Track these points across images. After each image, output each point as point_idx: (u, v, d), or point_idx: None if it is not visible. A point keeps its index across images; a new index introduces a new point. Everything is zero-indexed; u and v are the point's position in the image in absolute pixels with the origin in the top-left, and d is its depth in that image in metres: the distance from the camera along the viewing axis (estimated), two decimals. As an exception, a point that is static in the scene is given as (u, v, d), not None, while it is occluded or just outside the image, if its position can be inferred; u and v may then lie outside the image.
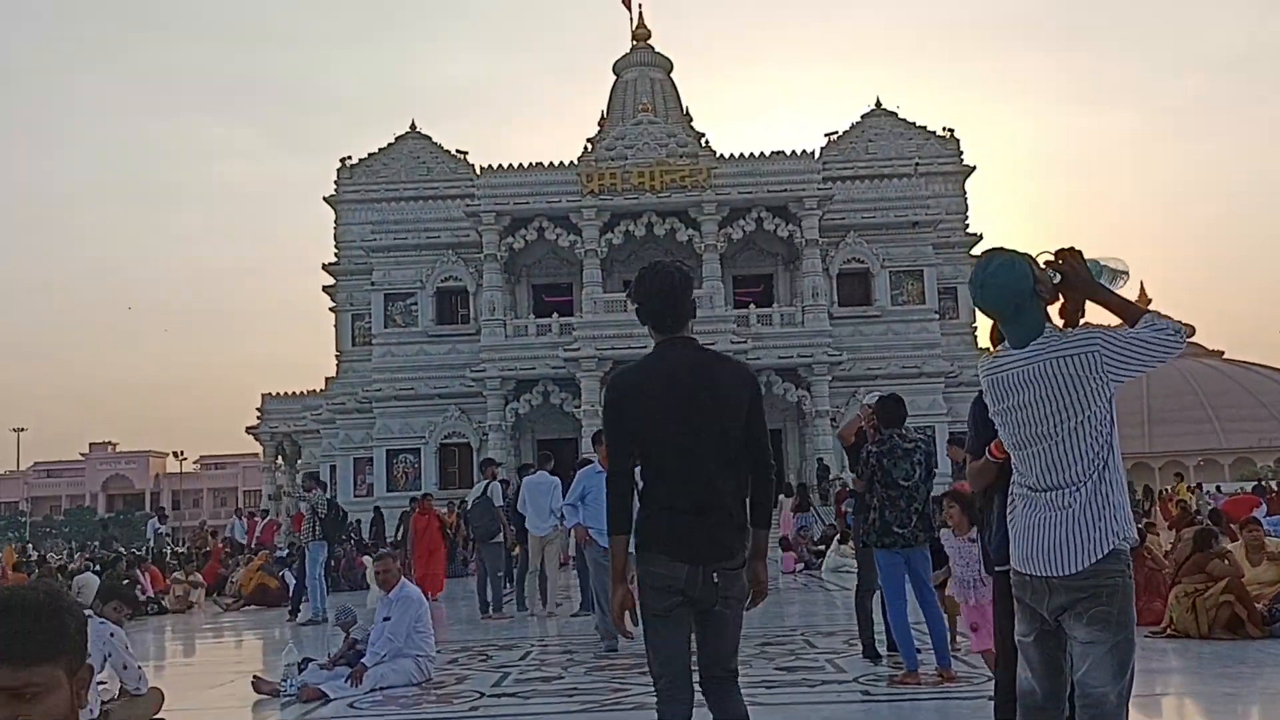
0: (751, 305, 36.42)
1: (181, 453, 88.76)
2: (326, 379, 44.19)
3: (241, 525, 31.51)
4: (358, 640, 8.83)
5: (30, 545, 55.76)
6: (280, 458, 48.37)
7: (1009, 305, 3.53)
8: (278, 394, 47.84)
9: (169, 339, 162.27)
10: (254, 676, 8.45)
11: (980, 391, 5.01)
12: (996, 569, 4.65)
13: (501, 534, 14.08)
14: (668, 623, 3.74)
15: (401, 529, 20.41)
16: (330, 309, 43.59)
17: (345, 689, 8.16)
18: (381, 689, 8.28)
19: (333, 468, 40.78)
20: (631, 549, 3.85)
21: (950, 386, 36.53)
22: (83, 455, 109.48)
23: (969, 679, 7.66)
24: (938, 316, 37.67)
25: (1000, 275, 3.52)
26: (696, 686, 3.85)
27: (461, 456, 37.07)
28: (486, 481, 14.42)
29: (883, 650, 8.86)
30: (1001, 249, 3.63)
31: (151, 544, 29.61)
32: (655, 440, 3.81)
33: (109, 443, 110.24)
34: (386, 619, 8.74)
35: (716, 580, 3.71)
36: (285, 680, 8.25)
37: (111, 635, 6.75)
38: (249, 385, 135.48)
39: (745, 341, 33.98)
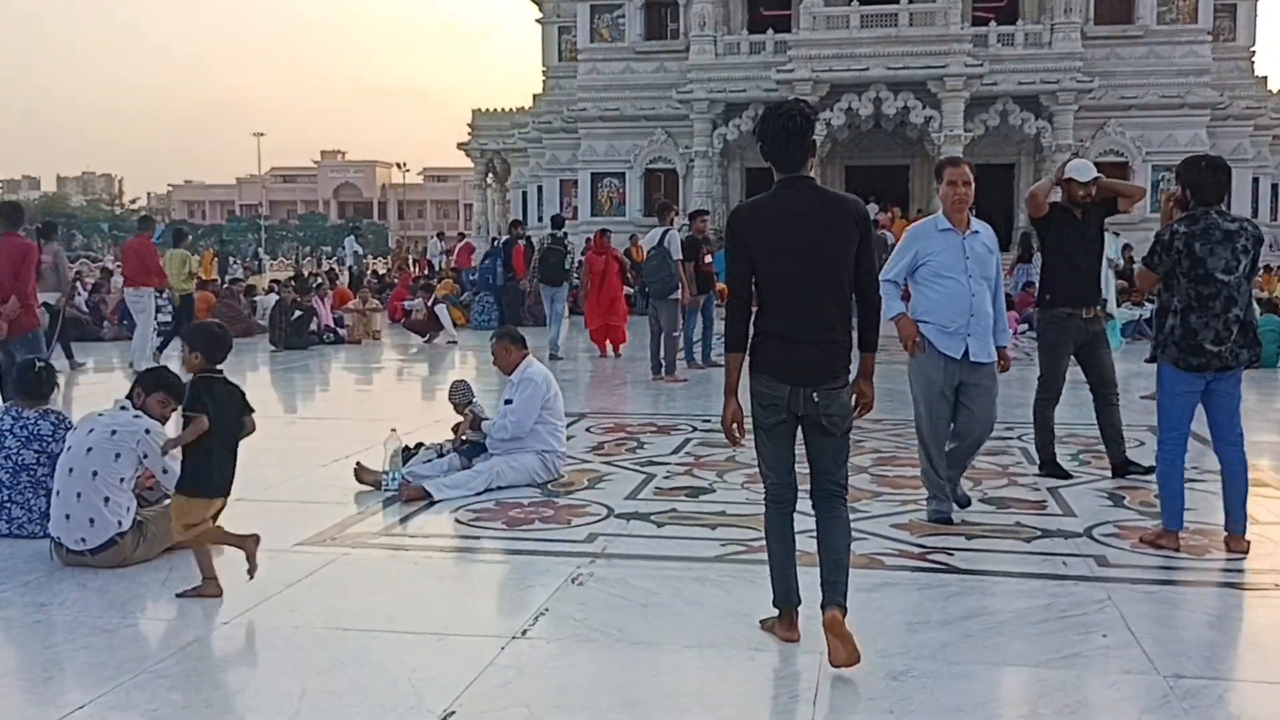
0: (992, 22, 32.29)
1: (404, 164, 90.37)
2: (534, 96, 42.64)
3: (439, 246, 30.76)
4: (480, 419, 7.47)
5: (260, 249, 58.13)
6: (491, 175, 47.82)
7: None
8: (488, 110, 46.67)
9: (390, 51, 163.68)
10: (357, 464, 7.24)
11: None
12: None
13: (680, 290, 12.44)
14: (774, 434, 4.15)
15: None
16: (537, 20, 41.51)
17: (455, 489, 6.86)
18: (497, 488, 6.96)
19: (539, 189, 39.88)
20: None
21: (1217, 120, 32.14)
22: (315, 163, 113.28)
23: (1268, 557, 5.58)
24: (1210, 38, 32.67)
25: None
26: (805, 494, 4.23)
27: (668, 183, 35.26)
28: (664, 229, 12.64)
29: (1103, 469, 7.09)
30: None
31: (350, 263, 29.41)
32: (768, 272, 4.08)
33: (339, 151, 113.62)
34: (509, 402, 7.33)
35: (817, 399, 4.04)
36: (387, 472, 7.00)
37: (147, 432, 5.52)
38: (468, 100, 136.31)
39: (982, 64, 30.35)
